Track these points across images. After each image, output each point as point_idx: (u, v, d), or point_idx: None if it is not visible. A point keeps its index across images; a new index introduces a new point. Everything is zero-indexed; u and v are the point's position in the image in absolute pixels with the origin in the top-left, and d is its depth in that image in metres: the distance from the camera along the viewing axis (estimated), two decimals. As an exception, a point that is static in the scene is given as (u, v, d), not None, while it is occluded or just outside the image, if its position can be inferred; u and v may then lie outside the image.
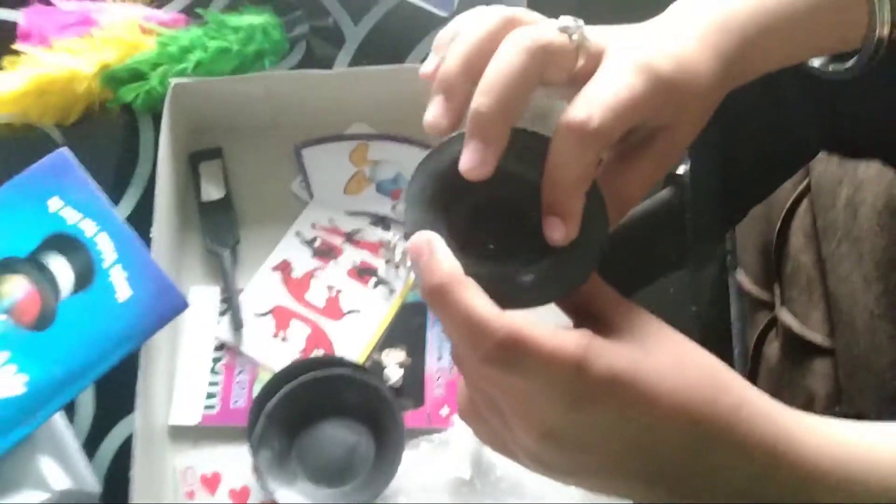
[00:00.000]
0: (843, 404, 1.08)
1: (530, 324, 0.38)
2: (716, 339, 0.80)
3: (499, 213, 0.43)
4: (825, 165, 1.22)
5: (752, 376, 1.33)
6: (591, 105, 0.41)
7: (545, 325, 0.38)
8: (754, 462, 0.41)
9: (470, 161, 0.40)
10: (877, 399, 0.98)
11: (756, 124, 0.96)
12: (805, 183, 1.27)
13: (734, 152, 0.92)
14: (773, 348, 1.28)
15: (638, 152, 0.47)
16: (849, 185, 1.15)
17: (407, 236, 0.40)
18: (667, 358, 0.40)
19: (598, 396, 0.38)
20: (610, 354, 0.39)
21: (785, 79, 0.81)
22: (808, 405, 1.16)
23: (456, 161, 0.41)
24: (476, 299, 0.38)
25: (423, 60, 0.85)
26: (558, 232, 0.41)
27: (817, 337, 1.18)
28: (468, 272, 0.39)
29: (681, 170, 0.85)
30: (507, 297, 0.40)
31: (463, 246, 0.41)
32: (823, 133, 0.94)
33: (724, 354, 0.80)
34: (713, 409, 0.40)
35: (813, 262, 1.23)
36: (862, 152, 1.00)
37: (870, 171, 1.04)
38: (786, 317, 1.24)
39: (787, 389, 1.22)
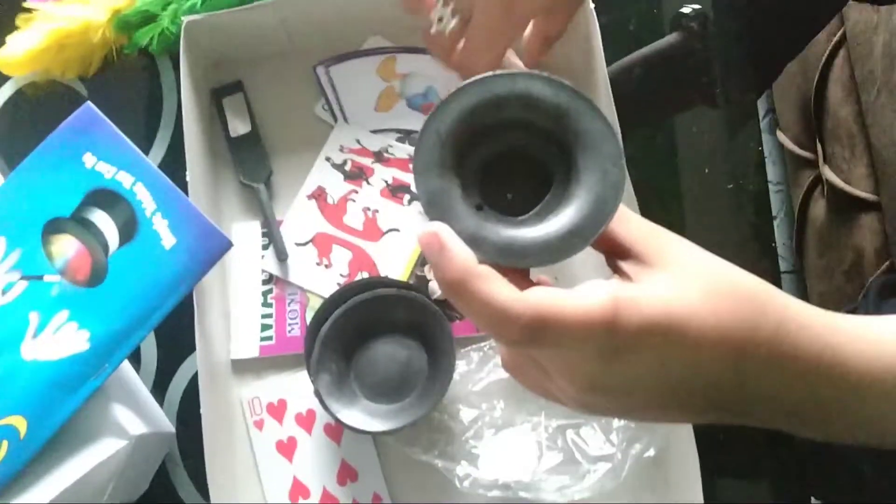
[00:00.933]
0: (893, 258, 1.07)
1: (552, 297, 0.38)
2: (757, 210, 0.79)
3: (511, 161, 0.43)
4: (859, 13, 1.18)
5: (800, 239, 1.32)
6: None
7: (567, 292, 0.38)
8: (801, 381, 0.41)
9: None
10: (926, 250, 0.97)
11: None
12: (840, 33, 1.23)
13: (761, 5, 0.89)
14: (818, 207, 1.27)
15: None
16: (885, 31, 1.11)
17: (424, 207, 0.40)
18: (699, 291, 0.40)
19: (636, 347, 0.39)
20: (641, 305, 0.39)
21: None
22: (857, 262, 1.16)
23: (461, 117, 0.41)
24: (493, 289, 0.38)
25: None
26: None
27: (863, 192, 1.16)
28: (487, 243, 0.39)
29: (686, 8, 0.82)
30: (529, 257, 0.40)
31: (479, 202, 0.41)
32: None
33: (765, 223, 0.80)
34: (752, 335, 0.40)
35: (853, 116, 1.21)
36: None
37: (906, 16, 1.01)
38: (829, 174, 1.22)
39: (835, 248, 1.21)
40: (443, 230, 0.40)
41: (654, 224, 0.43)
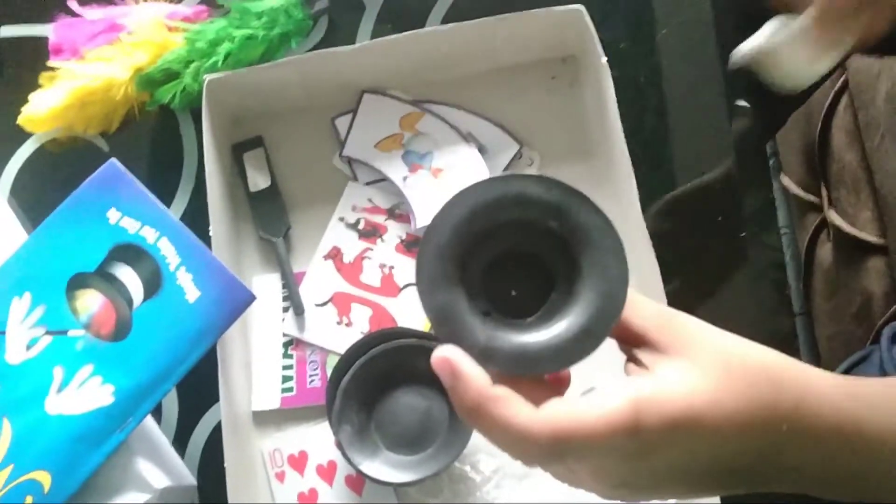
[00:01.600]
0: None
1: (570, 412, 0.38)
2: (768, 255, 0.80)
3: (513, 261, 0.43)
4: (861, 60, 1.20)
5: (807, 281, 1.33)
6: None
7: (585, 402, 0.38)
8: (824, 453, 0.42)
9: None
10: (935, 294, 0.98)
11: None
12: (842, 79, 1.25)
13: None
14: (825, 250, 1.28)
15: None
16: (887, 79, 1.13)
17: (433, 325, 0.41)
18: (717, 377, 0.40)
19: (661, 446, 0.39)
20: (661, 403, 0.39)
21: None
22: (866, 305, 1.16)
23: (459, 225, 0.41)
24: (510, 412, 0.38)
25: (444, 16, 0.84)
26: None
27: (869, 236, 1.17)
28: (500, 354, 0.39)
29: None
30: (543, 363, 0.40)
31: (486, 308, 0.41)
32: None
33: (777, 265, 0.81)
34: (773, 413, 0.40)
35: (858, 161, 1.22)
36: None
37: (907, 65, 1.02)
38: (835, 217, 1.23)
39: (844, 291, 1.22)
40: (454, 355, 0.40)
41: (665, 307, 0.43)
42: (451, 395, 0.40)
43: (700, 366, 0.40)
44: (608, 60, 0.75)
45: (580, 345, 0.40)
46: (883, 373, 0.74)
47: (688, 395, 0.39)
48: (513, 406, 0.39)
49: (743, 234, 0.81)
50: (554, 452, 0.38)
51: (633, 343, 0.42)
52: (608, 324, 0.41)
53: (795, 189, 1.36)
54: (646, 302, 0.43)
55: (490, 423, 0.39)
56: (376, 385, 0.73)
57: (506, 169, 0.82)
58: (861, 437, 0.42)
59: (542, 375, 0.42)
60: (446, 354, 0.40)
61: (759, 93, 0.88)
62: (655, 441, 0.39)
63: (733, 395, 0.40)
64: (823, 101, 1.27)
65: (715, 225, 0.83)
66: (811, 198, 1.32)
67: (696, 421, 0.39)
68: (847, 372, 0.81)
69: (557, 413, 0.38)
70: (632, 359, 0.43)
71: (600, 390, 0.39)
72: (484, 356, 0.40)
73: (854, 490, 0.45)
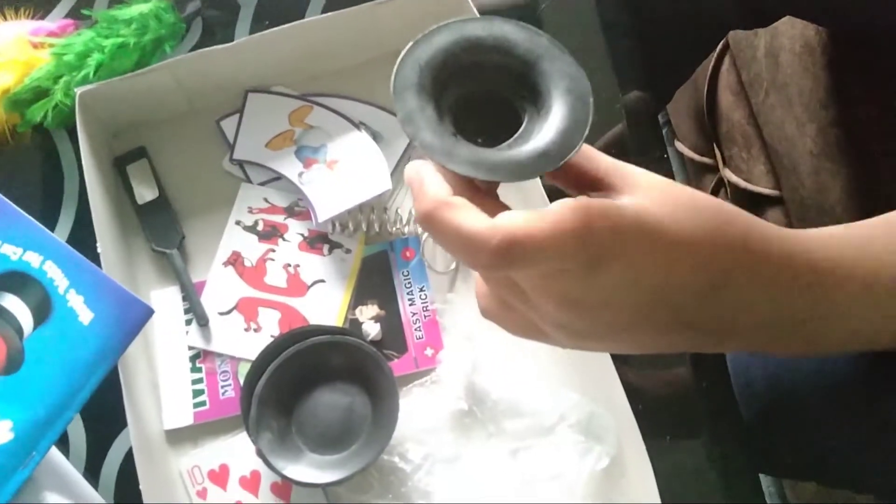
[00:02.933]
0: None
1: (522, 217, 0.39)
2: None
3: (484, 103, 0.44)
4: (739, 23, 1.23)
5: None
6: None
7: (537, 211, 0.39)
8: (774, 288, 0.42)
9: None
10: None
11: (670, 10, 0.96)
12: (723, 41, 1.28)
13: (651, 39, 0.92)
14: (724, 209, 1.31)
15: None
16: (765, 34, 1.16)
17: (401, 123, 0.41)
18: (667, 204, 0.41)
19: (610, 254, 0.39)
20: (611, 213, 0.40)
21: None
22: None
23: (438, 52, 0.42)
24: (463, 215, 0.39)
25: (322, 11, 0.83)
26: None
27: (764, 189, 1.20)
28: (461, 157, 0.40)
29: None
30: (500, 171, 0.40)
31: (454, 131, 0.42)
32: (736, 6, 0.95)
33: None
34: (723, 239, 0.41)
35: (746, 117, 1.25)
36: (772, 16, 1.01)
37: (783, 18, 1.05)
38: (730, 175, 1.26)
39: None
40: (424, 167, 0.42)
41: (620, 161, 0.44)
42: (414, 203, 0.41)
43: (654, 196, 0.41)
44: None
45: (537, 162, 0.41)
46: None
47: (638, 210, 0.40)
48: (466, 211, 0.40)
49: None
50: (503, 256, 0.38)
51: (589, 187, 0.43)
52: (567, 150, 0.41)
53: (689, 153, 1.40)
54: (604, 155, 0.44)
55: (442, 226, 0.40)
56: (293, 387, 0.71)
57: (403, 155, 0.80)
58: (813, 271, 0.43)
59: (498, 198, 0.43)
60: (418, 167, 0.42)
61: (648, 68, 0.89)
62: (603, 250, 0.39)
63: (681, 220, 0.41)
64: (707, 64, 1.30)
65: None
66: (705, 160, 1.36)
67: (645, 233, 0.40)
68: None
69: (510, 220, 0.39)
70: None
71: (553, 203, 0.40)
72: (445, 154, 0.41)
73: (804, 338, 0.45)
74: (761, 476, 0.84)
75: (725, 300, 0.42)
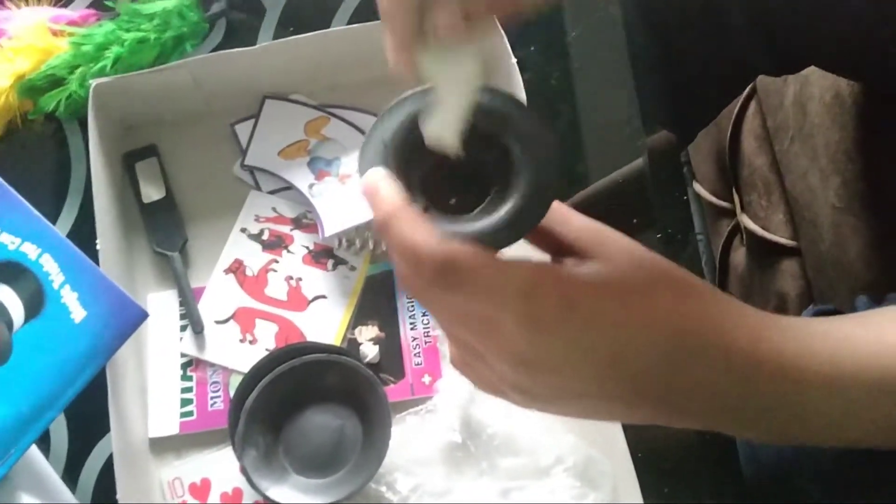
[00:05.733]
0: (816, 302, 1.09)
1: (473, 250, 0.39)
2: (684, 260, 0.79)
3: (454, 168, 0.43)
4: (768, 69, 1.21)
5: (722, 286, 1.34)
6: None
7: (488, 257, 0.39)
8: (736, 374, 0.40)
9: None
10: (848, 292, 0.99)
11: (698, 51, 0.95)
12: (751, 86, 1.26)
13: (678, 78, 0.91)
14: (739, 255, 1.28)
15: None
16: (794, 82, 1.15)
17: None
18: (630, 275, 0.40)
19: (561, 316, 0.39)
20: (563, 279, 0.39)
21: (725, 4, 0.80)
22: (780, 308, 1.17)
23: (403, 126, 0.42)
24: (414, 227, 0.39)
25: (348, 22, 0.82)
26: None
27: (781, 238, 1.18)
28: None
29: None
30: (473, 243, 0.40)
31: (425, 205, 0.42)
32: (764, 53, 0.94)
33: (695, 269, 0.80)
34: (682, 322, 0.40)
35: (768, 164, 1.23)
36: (800, 65, 1.00)
37: (812, 66, 1.04)
38: (747, 222, 1.24)
39: (759, 295, 1.22)
40: (381, 176, 0.41)
41: (597, 221, 0.44)
42: (372, 209, 0.41)
43: (618, 264, 0.41)
44: (518, 63, 0.73)
45: (510, 231, 0.41)
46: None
47: (594, 284, 0.40)
48: (416, 224, 0.39)
49: (658, 236, 0.80)
50: (443, 274, 0.38)
51: (563, 253, 0.43)
52: (538, 215, 0.41)
53: (708, 196, 1.38)
54: (578, 215, 0.44)
55: (394, 234, 0.40)
56: (284, 404, 0.69)
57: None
58: (780, 360, 0.41)
59: None
60: (375, 177, 0.41)
61: (673, 107, 0.88)
62: (554, 312, 0.39)
63: (643, 292, 0.40)
64: (732, 107, 1.29)
65: (630, 227, 0.81)
66: (723, 204, 1.34)
67: (599, 307, 0.39)
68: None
69: (458, 245, 0.39)
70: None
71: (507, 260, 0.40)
72: None
73: (773, 425, 0.43)
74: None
75: (685, 378, 0.40)
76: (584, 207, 0.81)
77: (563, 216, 0.43)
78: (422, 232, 0.39)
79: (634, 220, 0.80)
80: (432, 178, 0.44)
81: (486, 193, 0.43)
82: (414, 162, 0.43)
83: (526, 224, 0.41)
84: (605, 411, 0.43)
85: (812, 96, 1.08)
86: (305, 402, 0.70)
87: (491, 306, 0.39)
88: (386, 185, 0.41)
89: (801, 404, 0.42)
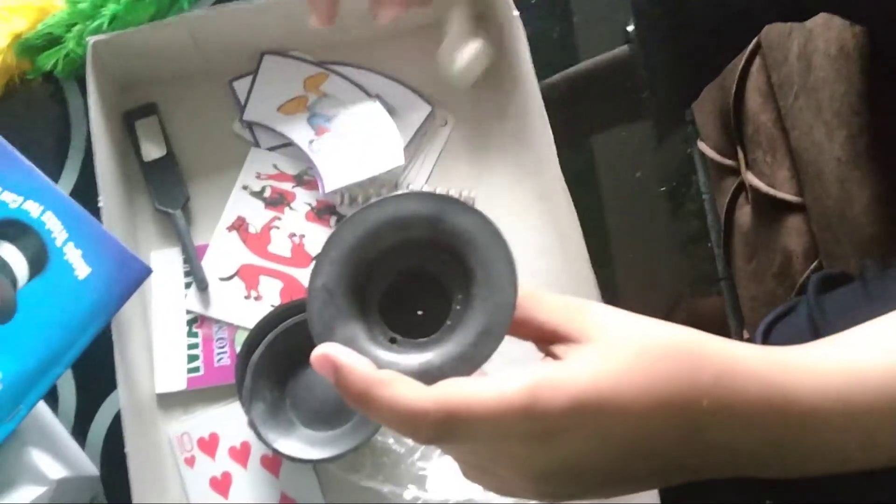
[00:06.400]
0: (821, 258, 1.09)
1: (460, 389, 0.37)
2: (689, 215, 0.79)
3: (411, 281, 0.43)
4: (772, 25, 1.20)
5: (727, 243, 1.33)
6: None
7: (479, 381, 0.37)
8: (752, 426, 0.40)
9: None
10: (854, 247, 0.99)
11: (701, 3, 0.94)
12: (755, 41, 1.25)
13: (682, 31, 0.90)
14: (744, 213, 1.28)
15: None
16: (798, 35, 1.13)
17: (318, 338, 0.40)
18: (629, 359, 0.39)
19: (566, 428, 0.37)
20: (564, 385, 0.37)
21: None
22: (786, 264, 1.17)
23: (343, 261, 0.41)
24: (397, 391, 0.37)
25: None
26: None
27: (786, 195, 1.18)
28: (407, 374, 0.39)
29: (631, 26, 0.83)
30: (448, 372, 0.40)
31: (392, 335, 0.41)
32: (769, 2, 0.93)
33: (700, 228, 0.79)
34: (691, 391, 0.39)
35: (773, 121, 1.22)
36: (807, 11, 0.98)
37: (818, 19, 1.03)
38: (752, 179, 1.23)
39: (763, 252, 1.22)
40: (331, 349, 0.39)
41: (573, 298, 0.42)
42: (337, 389, 0.39)
43: (609, 348, 0.39)
44: (520, 17, 0.72)
45: (482, 346, 0.40)
46: (811, 321, 0.72)
47: (593, 376, 0.38)
48: (399, 386, 0.38)
49: (662, 189, 0.80)
50: (444, 429, 0.37)
51: (547, 340, 0.41)
52: (504, 320, 0.40)
53: (712, 154, 1.37)
54: (551, 297, 0.42)
55: (378, 406, 0.38)
56: (290, 359, 0.69)
57: (419, 129, 0.78)
58: (790, 407, 0.40)
59: None
60: (324, 351, 0.39)
61: (676, 63, 0.87)
62: (558, 423, 0.37)
63: (645, 374, 0.38)
64: (736, 63, 1.27)
65: (633, 181, 0.81)
66: (728, 162, 1.33)
67: (604, 401, 0.37)
68: (772, 325, 0.80)
69: (448, 391, 0.37)
70: (548, 354, 0.41)
71: (502, 373, 0.38)
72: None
73: (793, 465, 0.43)
74: None
75: (702, 443, 0.40)
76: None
77: (535, 303, 0.41)
78: (405, 397, 0.37)
79: (637, 175, 0.79)
80: (390, 298, 0.43)
81: (448, 300, 0.42)
82: (367, 290, 0.42)
83: (498, 329, 0.40)
84: (631, 488, 0.42)
85: (817, 49, 1.07)
86: (310, 356, 0.70)
87: (497, 440, 0.38)
88: (345, 361, 0.39)
89: (817, 445, 0.41)
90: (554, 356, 0.40)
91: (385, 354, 0.40)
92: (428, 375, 0.39)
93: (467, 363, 0.40)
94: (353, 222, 0.42)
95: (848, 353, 0.42)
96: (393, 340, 0.42)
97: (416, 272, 0.43)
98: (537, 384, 0.37)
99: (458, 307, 0.42)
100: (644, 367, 0.38)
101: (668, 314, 0.79)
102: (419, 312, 0.43)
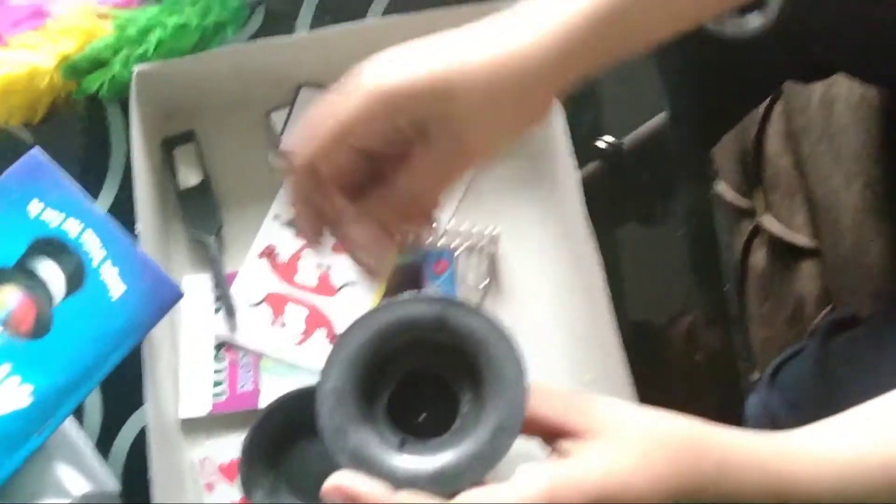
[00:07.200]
0: (834, 304, 1.10)
1: (481, 498, 0.39)
2: (707, 258, 0.80)
3: (417, 382, 0.44)
4: (796, 72, 1.22)
5: (741, 287, 1.34)
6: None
7: (499, 488, 0.39)
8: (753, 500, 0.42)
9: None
10: (867, 296, 1.00)
11: (728, 59, 0.95)
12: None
13: (705, 84, 0.92)
14: (759, 256, 1.29)
15: (416, 150, 0.48)
16: (821, 83, 1.15)
17: (343, 465, 0.40)
18: (634, 454, 0.41)
19: None
20: (577, 483, 0.39)
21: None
22: (798, 309, 1.18)
23: (351, 364, 0.42)
24: None
25: (384, 14, 0.83)
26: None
27: (802, 239, 1.19)
28: (422, 479, 0.40)
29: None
30: (466, 474, 0.40)
31: (401, 437, 0.42)
32: (792, 60, 0.94)
33: (715, 270, 0.81)
34: (694, 482, 0.41)
35: (792, 165, 1.24)
36: (825, 72, 1.00)
37: (840, 69, 1.04)
38: (769, 222, 1.25)
39: (777, 296, 1.23)
40: (344, 479, 0.40)
41: (578, 393, 0.43)
42: None
43: (617, 442, 0.41)
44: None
45: (496, 444, 0.40)
46: (818, 365, 0.74)
47: (605, 472, 0.40)
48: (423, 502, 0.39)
49: (680, 233, 0.81)
50: None
51: (554, 435, 0.42)
52: (517, 417, 0.41)
53: (730, 195, 1.38)
54: (558, 392, 0.43)
55: None
56: (281, 440, 0.70)
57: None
58: (789, 495, 0.43)
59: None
60: (336, 483, 0.40)
61: (699, 111, 0.89)
62: None
63: (653, 467, 0.40)
64: (758, 109, 1.29)
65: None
66: (746, 203, 1.34)
67: (618, 496, 0.39)
68: (780, 366, 0.82)
69: (470, 500, 0.39)
70: (555, 450, 0.43)
71: (517, 475, 0.39)
72: (407, 485, 0.40)
73: None
74: None
75: None
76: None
77: (540, 398, 0.42)
78: None
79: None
80: (398, 398, 0.43)
81: (454, 400, 0.43)
82: (374, 392, 0.43)
83: (512, 425, 0.41)
84: None
85: (838, 96, 1.09)
86: (303, 433, 0.70)
87: None
88: (362, 485, 0.40)
89: None
90: (560, 451, 0.42)
91: (398, 460, 0.41)
92: (444, 478, 0.40)
93: (484, 462, 0.40)
94: (361, 325, 0.42)
95: (846, 442, 0.45)
96: (403, 443, 0.42)
97: (421, 373, 0.44)
98: (555, 484, 0.39)
99: (466, 407, 0.43)
100: (649, 461, 0.41)
101: (683, 346, 0.80)
102: (425, 413, 0.43)
